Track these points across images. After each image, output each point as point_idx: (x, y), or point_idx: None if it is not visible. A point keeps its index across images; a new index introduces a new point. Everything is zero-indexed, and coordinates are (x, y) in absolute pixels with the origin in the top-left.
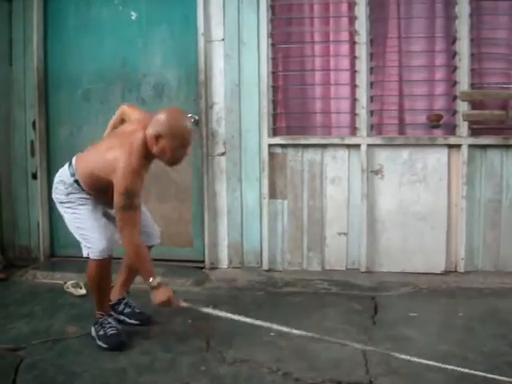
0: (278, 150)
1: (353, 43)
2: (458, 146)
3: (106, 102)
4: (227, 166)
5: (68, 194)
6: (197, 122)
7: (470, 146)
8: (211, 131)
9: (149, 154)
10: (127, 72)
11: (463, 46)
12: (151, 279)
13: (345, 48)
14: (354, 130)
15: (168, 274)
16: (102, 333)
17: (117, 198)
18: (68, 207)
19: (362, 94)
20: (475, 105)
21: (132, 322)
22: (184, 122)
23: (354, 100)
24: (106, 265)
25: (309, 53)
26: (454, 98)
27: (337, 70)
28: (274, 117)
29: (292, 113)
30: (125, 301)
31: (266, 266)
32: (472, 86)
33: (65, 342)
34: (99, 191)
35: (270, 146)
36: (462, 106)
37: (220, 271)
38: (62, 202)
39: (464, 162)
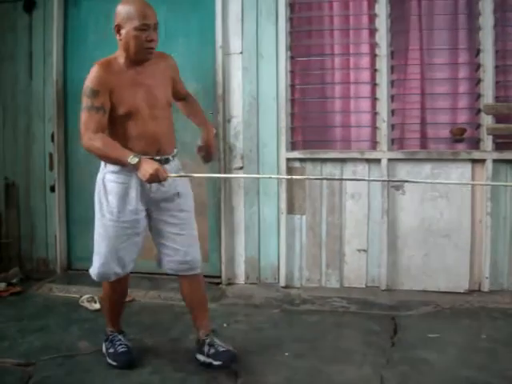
0: (297, 165)
1: (373, 56)
2: (482, 161)
3: None
4: (245, 180)
5: None
6: (215, 136)
7: (495, 161)
8: (229, 145)
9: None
10: None
11: (487, 58)
12: (129, 159)
13: (365, 61)
14: (374, 144)
15: None
16: (111, 350)
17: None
18: None
19: (383, 108)
20: (500, 118)
21: (218, 363)
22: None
23: (374, 113)
24: (113, 285)
25: (328, 66)
26: (478, 111)
27: (357, 83)
28: (293, 130)
29: (311, 126)
30: (208, 340)
31: (283, 283)
32: (496, 99)
33: (76, 358)
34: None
35: (289, 160)
36: (486, 120)
37: (237, 287)
38: None
39: (488, 178)
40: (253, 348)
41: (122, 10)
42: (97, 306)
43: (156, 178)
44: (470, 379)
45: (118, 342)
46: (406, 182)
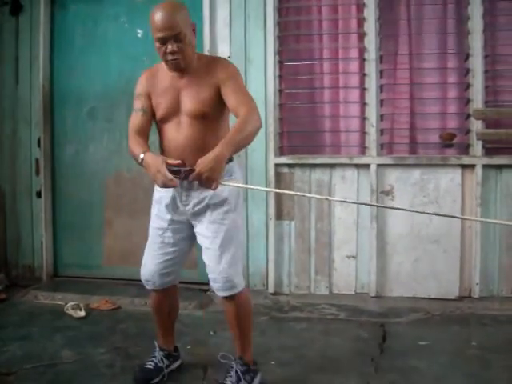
0: (285, 170)
1: (362, 60)
2: (472, 166)
3: (111, 120)
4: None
5: None
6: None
7: (485, 166)
8: None
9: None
10: (132, 90)
11: (476, 63)
12: (140, 155)
13: (354, 65)
14: (363, 150)
15: None
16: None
17: None
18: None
19: (372, 113)
20: (489, 123)
21: None
22: (155, 10)
23: (363, 118)
24: (153, 295)
25: (317, 70)
26: (468, 116)
27: (346, 88)
28: (281, 136)
29: (299, 131)
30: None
31: (271, 289)
32: (486, 103)
33: (58, 367)
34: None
35: (277, 165)
36: (476, 125)
37: None
38: None
39: (478, 183)
40: None
41: (149, 19)
42: (82, 313)
43: (156, 180)
44: None
45: (150, 357)
46: (393, 208)
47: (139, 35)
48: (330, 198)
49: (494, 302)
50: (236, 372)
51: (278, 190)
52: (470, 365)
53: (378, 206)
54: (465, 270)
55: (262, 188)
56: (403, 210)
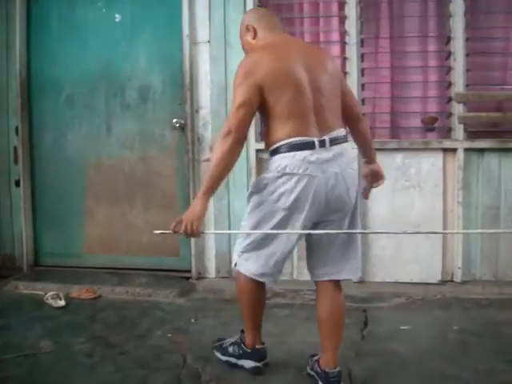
0: (266, 156)
1: (343, 44)
2: (454, 150)
3: (89, 107)
4: None
5: None
6: (182, 127)
7: (466, 150)
8: (197, 136)
9: None
10: (111, 76)
11: (458, 46)
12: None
13: (335, 49)
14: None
15: (152, 284)
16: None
17: None
18: None
19: None
20: (471, 107)
21: None
22: None
23: None
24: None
25: None
26: (449, 100)
27: None
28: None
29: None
30: None
31: None
32: (467, 87)
33: (36, 357)
34: None
35: (258, 151)
36: (458, 109)
37: (207, 281)
38: None
39: (460, 167)
40: None
41: None
42: (61, 302)
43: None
44: (440, 372)
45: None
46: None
47: (117, 20)
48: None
49: (476, 286)
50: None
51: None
52: (451, 349)
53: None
54: (447, 255)
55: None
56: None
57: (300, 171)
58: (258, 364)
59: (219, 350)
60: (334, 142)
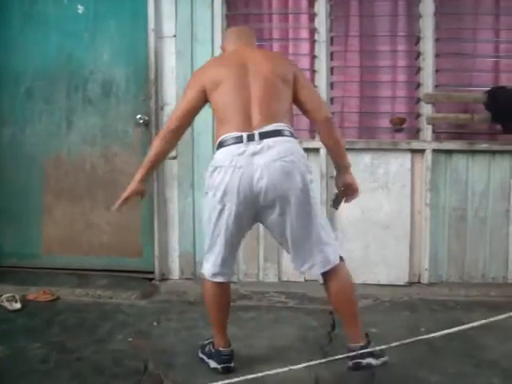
0: None
1: (312, 41)
2: (422, 151)
3: (50, 101)
4: (179, 170)
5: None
6: (147, 124)
7: (434, 151)
8: None
9: None
10: (73, 69)
11: (427, 46)
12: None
13: (304, 47)
14: (312, 134)
15: (113, 285)
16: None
17: None
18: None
19: (322, 95)
20: (439, 108)
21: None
22: None
23: None
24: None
25: None
26: (418, 100)
27: None
28: None
29: None
30: None
31: None
32: (436, 88)
33: None
34: None
35: None
36: (426, 109)
37: (171, 283)
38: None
39: (428, 168)
40: (183, 348)
41: None
42: (17, 305)
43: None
44: (410, 376)
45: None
46: None
47: (80, 11)
48: None
49: (443, 287)
50: None
51: None
52: (418, 351)
53: None
54: (414, 256)
55: None
56: None
57: (226, 163)
58: (217, 366)
59: (200, 348)
60: (266, 135)
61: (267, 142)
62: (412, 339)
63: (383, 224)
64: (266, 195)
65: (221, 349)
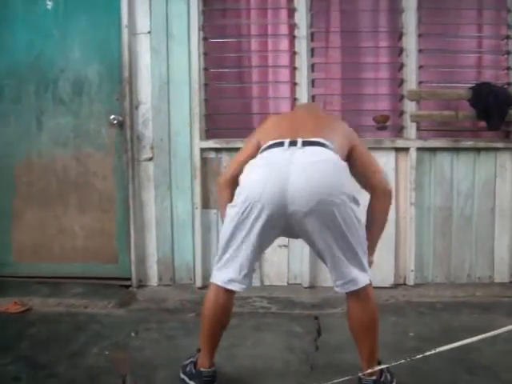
0: (212, 155)
1: (292, 37)
2: (406, 150)
3: (19, 101)
4: (155, 172)
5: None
6: (121, 124)
7: (419, 149)
8: (137, 134)
9: None
10: (43, 67)
11: (410, 42)
12: None
13: (284, 43)
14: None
15: (88, 294)
16: None
17: None
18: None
19: (303, 93)
20: (423, 105)
21: None
22: None
23: (293, 99)
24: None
25: (245, 48)
26: (401, 97)
27: (275, 67)
28: (207, 118)
29: (227, 114)
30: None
31: (199, 283)
32: (420, 84)
33: None
34: None
35: (203, 150)
36: (410, 106)
37: (149, 290)
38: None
39: (412, 167)
40: (162, 360)
41: None
42: None
43: None
44: None
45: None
46: None
47: (49, 7)
48: None
49: (429, 288)
50: None
51: None
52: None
53: None
54: (400, 257)
55: None
56: None
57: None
58: None
59: (181, 368)
60: (310, 144)
61: (310, 148)
62: (420, 355)
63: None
64: (302, 199)
65: (202, 369)
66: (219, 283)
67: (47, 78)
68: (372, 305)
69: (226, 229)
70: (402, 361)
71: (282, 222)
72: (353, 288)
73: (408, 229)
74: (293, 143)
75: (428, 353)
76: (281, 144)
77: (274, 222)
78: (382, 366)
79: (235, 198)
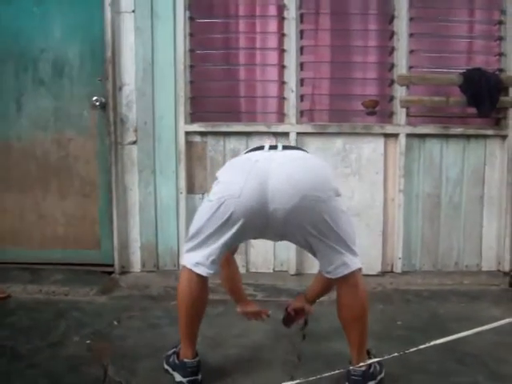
0: (197, 139)
1: (281, 19)
2: (395, 136)
3: None
4: (139, 156)
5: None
6: (103, 106)
7: (408, 136)
8: (120, 117)
9: None
10: (22, 47)
11: (402, 26)
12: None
13: (272, 24)
14: (281, 117)
15: (69, 281)
16: None
17: None
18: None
19: (291, 77)
20: (414, 90)
21: None
22: None
23: (282, 83)
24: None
25: (232, 29)
26: (391, 82)
27: (263, 49)
28: (193, 101)
29: (212, 97)
30: None
31: None
32: (411, 69)
33: None
34: None
35: (188, 133)
36: (400, 92)
37: (132, 276)
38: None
39: (402, 153)
40: (146, 351)
41: None
42: None
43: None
44: (390, 374)
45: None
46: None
47: None
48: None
49: (416, 276)
50: None
51: None
52: (398, 348)
53: None
54: (387, 244)
55: None
56: None
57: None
58: (182, 380)
59: (165, 358)
60: (289, 148)
61: (291, 150)
62: (413, 349)
63: (355, 212)
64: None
65: (186, 360)
66: (188, 265)
67: (26, 58)
68: (362, 292)
69: (199, 219)
70: (396, 354)
71: (260, 223)
72: (346, 271)
73: (396, 216)
74: (273, 148)
75: (422, 346)
76: (261, 148)
77: (252, 222)
78: (374, 360)
79: (212, 192)
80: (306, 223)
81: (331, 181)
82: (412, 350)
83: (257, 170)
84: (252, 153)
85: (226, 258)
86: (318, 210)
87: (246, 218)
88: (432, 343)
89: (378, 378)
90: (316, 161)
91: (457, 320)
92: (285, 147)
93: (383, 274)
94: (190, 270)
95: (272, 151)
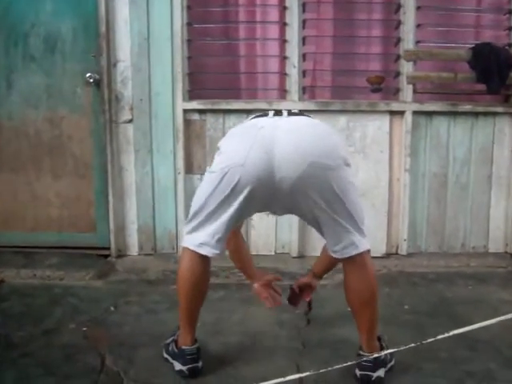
0: (195, 117)
1: None
2: (401, 113)
3: None
4: (135, 135)
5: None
6: (98, 83)
7: (415, 113)
8: (115, 94)
9: None
10: (12, 22)
11: None
12: None
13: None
14: (283, 94)
15: (64, 265)
16: None
17: None
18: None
19: (293, 52)
20: (421, 66)
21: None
22: None
23: (283, 58)
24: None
25: (232, 1)
26: (397, 57)
27: (264, 23)
28: (191, 77)
29: (211, 73)
30: None
31: None
32: (417, 44)
33: None
34: None
35: (186, 111)
36: (406, 67)
37: (129, 259)
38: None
39: (408, 131)
40: (144, 338)
41: None
42: None
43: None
44: (398, 362)
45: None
46: None
47: None
48: None
49: (422, 258)
50: None
51: None
52: (406, 334)
53: None
54: (392, 225)
55: None
56: None
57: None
58: (182, 368)
59: (164, 347)
60: (295, 114)
61: (297, 117)
62: (431, 339)
63: (360, 192)
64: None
65: (184, 347)
66: (191, 247)
67: (16, 33)
68: (371, 275)
69: (201, 195)
70: (412, 345)
71: (267, 193)
72: (354, 252)
73: (402, 196)
74: (278, 113)
75: (440, 336)
76: (265, 115)
77: (258, 191)
78: (390, 351)
79: (214, 162)
80: (313, 192)
81: (340, 149)
82: (429, 340)
83: (262, 137)
84: (256, 119)
85: (233, 232)
86: (325, 178)
87: (252, 186)
88: (451, 333)
89: (389, 365)
90: (324, 127)
91: (465, 303)
92: (290, 113)
93: (388, 255)
94: (193, 251)
95: (277, 117)
